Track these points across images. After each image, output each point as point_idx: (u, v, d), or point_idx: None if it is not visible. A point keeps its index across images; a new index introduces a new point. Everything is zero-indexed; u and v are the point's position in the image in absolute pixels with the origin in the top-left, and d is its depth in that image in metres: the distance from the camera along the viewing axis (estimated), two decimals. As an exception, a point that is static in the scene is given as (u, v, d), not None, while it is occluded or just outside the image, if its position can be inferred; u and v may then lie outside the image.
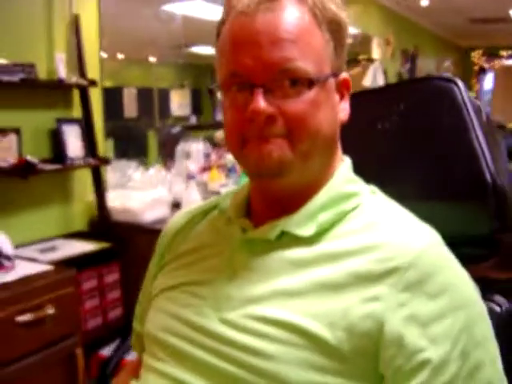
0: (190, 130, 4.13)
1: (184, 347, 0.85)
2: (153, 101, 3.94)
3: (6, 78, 2.40)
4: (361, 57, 5.83)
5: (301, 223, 0.85)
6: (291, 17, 0.81)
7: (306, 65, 0.80)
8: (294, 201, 0.87)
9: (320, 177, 0.88)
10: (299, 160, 0.83)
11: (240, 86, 0.82)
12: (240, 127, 0.83)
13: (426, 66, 5.74)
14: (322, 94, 0.83)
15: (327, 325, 0.76)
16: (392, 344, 0.74)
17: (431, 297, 0.75)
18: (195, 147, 3.53)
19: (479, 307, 0.80)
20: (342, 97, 0.90)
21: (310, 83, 0.81)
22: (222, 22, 0.86)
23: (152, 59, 3.95)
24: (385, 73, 5.23)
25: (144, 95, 3.87)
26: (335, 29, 0.85)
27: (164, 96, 4.05)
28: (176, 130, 4.09)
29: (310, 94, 0.81)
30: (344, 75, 0.89)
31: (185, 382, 0.82)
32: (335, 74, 0.86)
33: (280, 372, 0.75)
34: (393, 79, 5.51)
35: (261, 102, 0.79)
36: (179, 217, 1.06)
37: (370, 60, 5.49)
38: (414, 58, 5.47)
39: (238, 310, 0.82)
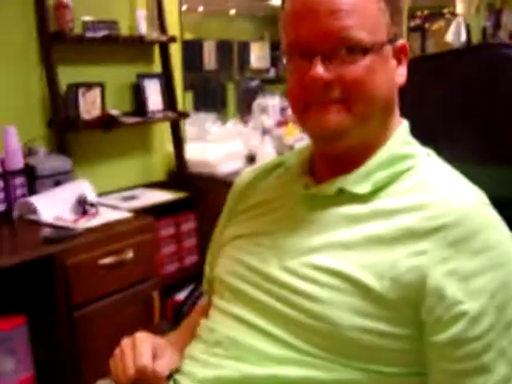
0: (268, 84, 4.15)
1: (248, 290, 0.94)
2: (232, 53, 3.98)
3: (90, 34, 2.52)
4: (445, 10, 5.65)
5: (357, 182, 0.91)
6: None
7: (361, 33, 0.85)
8: (352, 160, 0.93)
9: (377, 138, 0.94)
10: (357, 124, 0.89)
11: (301, 53, 0.88)
12: (301, 92, 0.90)
13: (511, 21, 5.51)
14: (377, 60, 0.88)
15: (376, 275, 0.83)
16: (433, 295, 0.80)
17: (473, 254, 0.81)
18: (272, 102, 3.57)
19: None
20: (399, 62, 0.94)
21: (366, 51, 0.86)
22: None
23: (232, 11, 3.97)
24: (468, 28, 5.04)
25: (224, 47, 3.90)
26: None
27: (243, 48, 4.07)
28: (254, 83, 4.13)
29: (366, 61, 0.86)
30: (401, 41, 0.93)
31: (247, 321, 0.92)
32: (392, 41, 0.90)
33: (331, 315, 0.83)
34: (476, 35, 5.32)
35: (319, 69, 0.86)
36: (248, 172, 1.14)
37: (454, 14, 5.31)
38: (500, 12, 5.25)
39: (297, 259, 0.90)
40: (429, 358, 0.83)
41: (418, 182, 0.90)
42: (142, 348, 0.96)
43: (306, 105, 0.91)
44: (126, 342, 0.99)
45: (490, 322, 0.79)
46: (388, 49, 0.90)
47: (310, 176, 0.99)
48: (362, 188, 0.91)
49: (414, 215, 0.85)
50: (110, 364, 0.99)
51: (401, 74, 0.94)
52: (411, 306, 0.82)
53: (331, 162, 0.96)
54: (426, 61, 1.22)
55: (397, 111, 0.97)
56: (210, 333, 0.96)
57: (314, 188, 0.96)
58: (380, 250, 0.85)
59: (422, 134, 0.98)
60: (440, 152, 0.97)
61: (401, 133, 0.96)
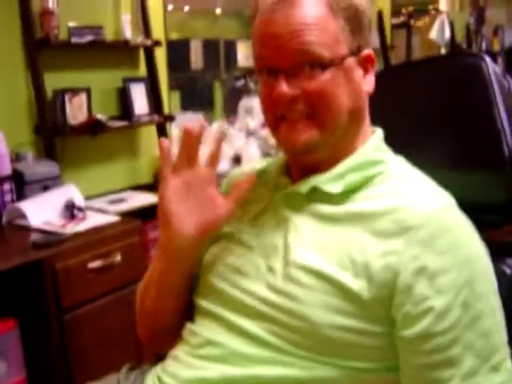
0: (254, 84, 4.17)
1: (230, 291, 0.98)
2: (219, 52, 3.99)
3: (76, 40, 2.55)
4: (430, 6, 5.69)
5: (329, 181, 0.96)
6: (306, 10, 0.91)
7: (320, 49, 0.90)
8: (323, 167, 0.98)
9: (347, 146, 0.99)
10: (325, 137, 0.94)
11: (267, 70, 0.94)
12: (270, 107, 0.96)
13: (495, 17, 5.54)
14: (339, 73, 0.92)
15: (352, 274, 0.88)
16: (403, 292, 0.85)
17: (440, 253, 0.86)
18: (256, 103, 3.60)
19: (484, 265, 0.89)
20: (366, 71, 0.98)
21: (325, 66, 0.91)
22: (253, 16, 0.96)
23: (218, 10, 3.99)
24: (452, 25, 5.09)
25: (210, 47, 3.92)
26: (351, 15, 0.94)
27: (230, 47, 4.09)
28: (240, 83, 4.16)
29: (327, 75, 0.91)
30: (367, 51, 0.97)
31: (229, 322, 0.96)
32: (354, 53, 0.95)
33: (309, 314, 0.88)
34: (460, 32, 5.37)
35: (283, 86, 0.92)
36: (235, 174, 1.19)
37: (438, 11, 5.36)
38: (483, 9, 5.29)
39: (279, 258, 0.95)
40: (399, 352, 0.88)
41: (389, 188, 0.95)
42: None
43: (276, 119, 0.96)
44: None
45: (455, 318, 0.84)
46: (351, 61, 0.95)
47: (287, 177, 1.04)
48: (335, 187, 0.96)
49: (384, 218, 0.90)
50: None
51: (368, 83, 0.98)
52: (384, 303, 0.87)
53: (304, 168, 1.01)
54: (396, 70, 1.27)
55: (367, 119, 1.02)
56: (193, 336, 1.00)
57: (289, 187, 1.01)
58: (355, 250, 0.89)
59: (397, 141, 1.02)
60: (414, 158, 1.01)
61: (374, 140, 1.01)
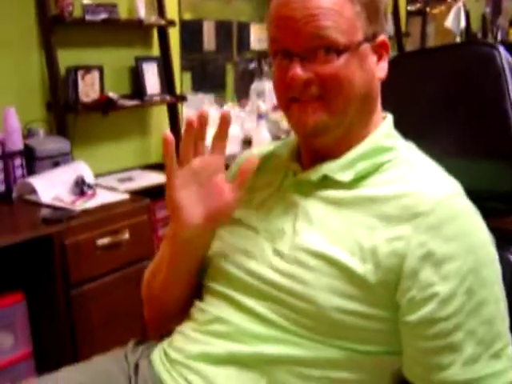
0: (269, 66, 4.14)
1: (239, 274, 1.00)
2: (232, 34, 3.99)
3: (90, 17, 2.54)
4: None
5: (340, 169, 0.98)
6: None
7: (336, 35, 0.91)
8: (334, 152, 0.99)
9: (359, 132, 0.99)
10: (335, 120, 0.95)
11: (282, 53, 0.95)
12: (284, 89, 0.96)
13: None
14: (354, 59, 0.93)
15: (359, 259, 0.89)
16: (408, 277, 0.87)
17: (446, 240, 0.87)
18: (268, 86, 3.59)
19: (490, 253, 0.91)
20: (380, 57, 0.99)
21: (341, 50, 0.92)
22: None
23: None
24: (467, 14, 5.06)
25: (223, 28, 3.92)
26: (368, 1, 0.94)
27: (243, 30, 4.08)
28: (253, 65, 4.15)
29: (341, 60, 0.92)
30: (382, 38, 0.98)
31: (237, 302, 0.98)
32: (369, 40, 0.95)
33: (316, 297, 0.90)
34: (476, 21, 5.34)
35: (297, 69, 0.92)
36: (245, 157, 1.19)
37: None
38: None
39: (287, 242, 0.96)
40: (403, 336, 0.90)
41: (398, 174, 0.96)
42: None
43: (288, 101, 0.97)
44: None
45: (459, 304, 0.85)
46: (366, 47, 0.95)
47: (297, 163, 1.05)
48: (345, 176, 0.97)
49: (393, 204, 0.91)
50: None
51: (382, 68, 0.99)
52: (389, 288, 0.88)
53: (315, 154, 1.02)
54: (410, 57, 1.27)
55: (379, 106, 1.03)
56: (201, 313, 1.02)
57: (300, 174, 1.02)
58: (363, 235, 0.91)
59: (408, 127, 1.03)
60: (424, 144, 1.02)
61: (384, 126, 1.02)
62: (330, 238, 0.93)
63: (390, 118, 1.04)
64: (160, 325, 1.18)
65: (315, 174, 0.99)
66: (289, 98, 0.96)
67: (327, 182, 0.98)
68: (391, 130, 1.02)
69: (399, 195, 0.91)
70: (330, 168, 0.98)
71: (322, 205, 0.97)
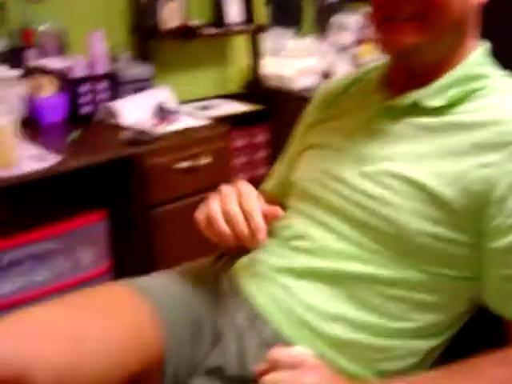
0: (348, 2, 4.04)
1: (323, 193, 1.01)
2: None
3: None
4: None
5: (432, 95, 0.96)
6: None
7: None
8: (427, 76, 0.97)
9: (453, 56, 0.97)
10: (430, 40, 0.93)
11: None
12: (380, 5, 0.94)
13: None
14: None
15: (446, 183, 0.89)
16: (496, 204, 0.86)
17: None
18: (351, 19, 3.50)
19: None
20: None
21: None
22: None
23: None
24: None
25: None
26: None
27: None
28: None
29: None
30: None
31: (320, 220, 1.00)
32: None
33: (400, 219, 0.90)
34: None
35: None
36: (330, 84, 1.20)
37: None
38: None
39: (373, 165, 0.97)
40: (484, 263, 0.90)
41: (490, 101, 0.94)
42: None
43: (384, 17, 0.95)
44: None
45: None
46: None
47: (387, 89, 1.04)
48: (436, 102, 0.95)
49: (485, 130, 0.90)
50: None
51: None
52: (475, 214, 0.88)
53: (407, 77, 1.00)
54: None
55: (475, 31, 0.99)
56: (285, 229, 1.04)
57: (390, 100, 1.01)
58: (452, 160, 0.90)
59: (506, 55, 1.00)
60: None
61: (477, 53, 0.99)
62: (416, 162, 0.92)
63: (486, 45, 1.01)
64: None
65: (406, 100, 0.97)
66: (384, 15, 0.94)
67: (417, 109, 0.97)
68: (486, 58, 1.00)
69: (492, 122, 0.90)
70: (421, 94, 0.96)
71: (411, 130, 0.96)
